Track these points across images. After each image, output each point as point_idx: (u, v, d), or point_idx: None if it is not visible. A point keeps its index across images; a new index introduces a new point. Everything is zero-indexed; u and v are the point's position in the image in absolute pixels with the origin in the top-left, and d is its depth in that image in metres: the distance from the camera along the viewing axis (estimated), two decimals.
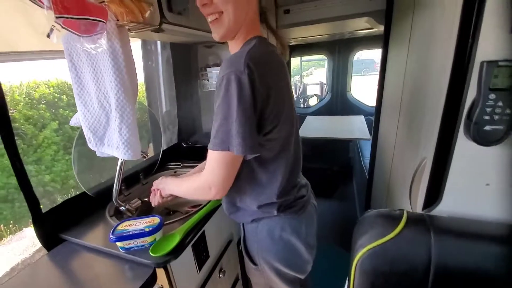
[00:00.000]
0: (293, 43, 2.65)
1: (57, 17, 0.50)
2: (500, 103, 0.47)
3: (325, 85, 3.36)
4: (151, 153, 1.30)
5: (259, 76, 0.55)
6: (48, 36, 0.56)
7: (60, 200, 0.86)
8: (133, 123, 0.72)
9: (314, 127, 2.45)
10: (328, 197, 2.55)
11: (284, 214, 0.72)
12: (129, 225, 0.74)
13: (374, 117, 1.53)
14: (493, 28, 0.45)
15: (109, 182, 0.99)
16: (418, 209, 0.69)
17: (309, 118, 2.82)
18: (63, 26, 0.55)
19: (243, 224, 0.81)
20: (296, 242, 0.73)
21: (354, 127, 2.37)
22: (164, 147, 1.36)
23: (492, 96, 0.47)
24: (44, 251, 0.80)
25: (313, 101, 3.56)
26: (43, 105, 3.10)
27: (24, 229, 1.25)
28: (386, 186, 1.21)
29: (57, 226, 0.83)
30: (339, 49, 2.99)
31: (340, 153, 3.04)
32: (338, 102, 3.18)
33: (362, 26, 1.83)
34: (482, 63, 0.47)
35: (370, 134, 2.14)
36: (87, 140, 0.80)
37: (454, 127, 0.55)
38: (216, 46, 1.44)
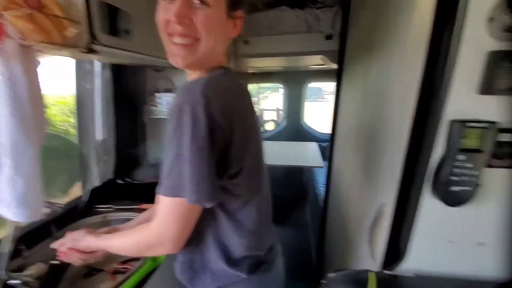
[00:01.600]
0: (251, 71, 2.69)
1: None
2: (469, 164, 0.46)
3: (281, 112, 3.45)
4: (77, 193, 1.04)
5: (219, 107, 0.46)
6: None
7: None
8: (34, 173, 0.52)
9: (270, 153, 2.38)
10: (280, 224, 2.49)
11: (256, 275, 0.60)
12: None
13: (329, 148, 1.57)
14: (461, 87, 0.44)
15: None
16: (379, 259, 0.67)
17: (265, 144, 2.79)
18: None
19: None
20: None
21: (308, 154, 2.42)
22: (95, 183, 1.11)
23: (461, 157, 0.46)
24: None
25: (269, 126, 3.62)
26: None
27: None
28: (343, 221, 1.19)
29: None
30: (293, 79, 3.15)
31: (294, 179, 3.08)
32: (293, 129, 3.28)
33: (316, 62, 1.93)
34: (451, 122, 0.46)
35: (325, 160, 2.21)
36: None
37: (416, 182, 0.54)
38: (168, 70, 1.31)
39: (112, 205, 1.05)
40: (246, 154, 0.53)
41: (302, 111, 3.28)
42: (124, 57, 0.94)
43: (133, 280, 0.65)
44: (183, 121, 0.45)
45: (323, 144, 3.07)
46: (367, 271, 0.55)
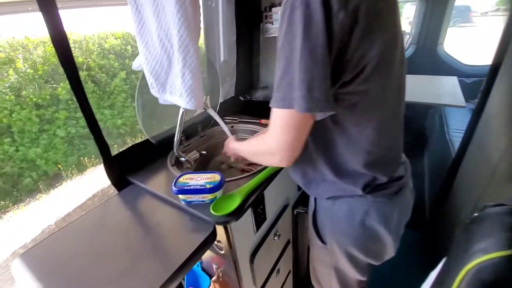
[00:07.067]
0: None
1: None
2: None
3: (407, 35, 2.70)
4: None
5: None
6: None
7: (130, 142, 0.85)
8: (197, 68, 0.61)
9: None
10: None
11: (373, 196, 0.57)
12: (190, 178, 0.70)
13: (485, 85, 1.13)
14: None
15: (170, 131, 0.97)
16: None
17: None
18: None
19: (315, 197, 0.69)
20: (383, 231, 0.60)
21: (444, 90, 1.88)
22: (221, 100, 1.26)
23: None
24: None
25: None
26: (113, 55, 3.32)
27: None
28: (491, 173, 0.92)
29: (125, 169, 0.86)
30: None
31: (412, 121, 2.56)
32: (424, 58, 2.56)
33: None
34: None
35: (466, 101, 1.67)
36: (149, 86, 0.74)
37: None
38: None
39: (236, 117, 1.19)
40: (369, 55, 0.43)
41: (443, 33, 2.45)
42: None
43: (261, 176, 0.76)
44: (294, 19, 0.38)
45: (466, 80, 2.32)
46: None
